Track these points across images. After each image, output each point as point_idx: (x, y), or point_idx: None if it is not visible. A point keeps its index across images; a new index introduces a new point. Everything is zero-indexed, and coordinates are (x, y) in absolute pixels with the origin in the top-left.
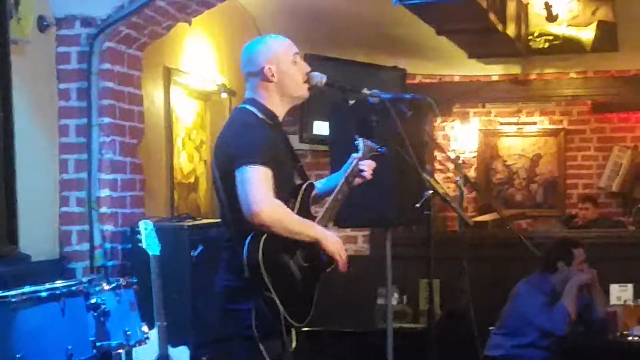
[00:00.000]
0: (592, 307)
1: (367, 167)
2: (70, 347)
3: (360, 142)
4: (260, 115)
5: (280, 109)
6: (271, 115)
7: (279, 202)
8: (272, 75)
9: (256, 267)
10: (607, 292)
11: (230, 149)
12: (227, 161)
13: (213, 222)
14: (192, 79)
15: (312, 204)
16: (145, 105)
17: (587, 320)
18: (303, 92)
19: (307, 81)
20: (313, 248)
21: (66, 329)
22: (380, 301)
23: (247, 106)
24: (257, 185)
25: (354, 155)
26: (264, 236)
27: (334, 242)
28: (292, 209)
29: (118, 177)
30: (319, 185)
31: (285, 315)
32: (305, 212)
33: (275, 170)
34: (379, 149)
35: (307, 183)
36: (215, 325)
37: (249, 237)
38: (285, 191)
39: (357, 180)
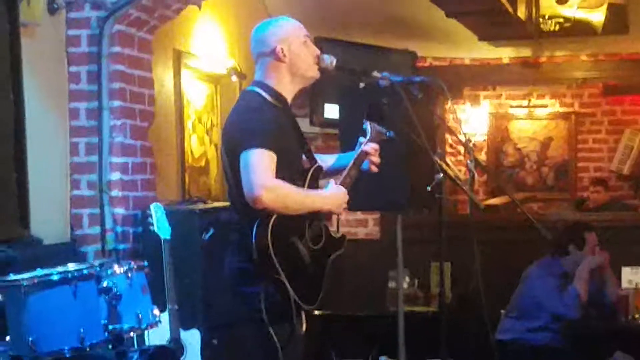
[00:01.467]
0: (604, 290)
1: (373, 149)
2: (82, 330)
3: (368, 126)
4: (267, 97)
5: (289, 91)
6: (279, 97)
7: (278, 182)
8: (284, 56)
9: (265, 250)
10: (618, 276)
11: (236, 132)
12: (233, 145)
13: (224, 205)
14: (202, 62)
15: (321, 179)
16: (156, 88)
17: (598, 304)
18: (314, 72)
19: (317, 63)
20: (322, 231)
21: (78, 312)
22: (391, 285)
23: (255, 88)
24: (258, 169)
25: (361, 139)
26: (273, 219)
27: (334, 202)
28: None
29: (129, 160)
30: (332, 159)
31: (295, 298)
32: None
33: (282, 153)
34: (388, 134)
35: (315, 166)
36: (227, 309)
37: (258, 221)
38: (292, 174)
39: (373, 168)
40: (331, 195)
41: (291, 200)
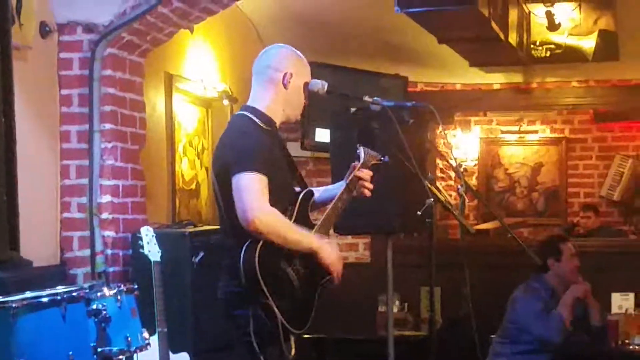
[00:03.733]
0: (589, 316)
1: (365, 175)
2: (71, 352)
3: (362, 151)
4: (257, 121)
5: (279, 116)
6: (268, 121)
7: (274, 210)
8: (288, 83)
9: (253, 274)
10: (608, 301)
11: (226, 156)
12: (223, 169)
13: (214, 228)
14: (194, 86)
15: (311, 211)
16: (147, 111)
17: (585, 328)
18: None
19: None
20: (311, 255)
21: (67, 335)
22: (381, 309)
23: (244, 112)
24: (253, 192)
25: (354, 164)
26: (261, 243)
27: (330, 254)
28: (290, 217)
29: (119, 183)
30: (320, 191)
31: (283, 322)
32: (303, 220)
33: (272, 176)
34: (382, 158)
35: (305, 190)
36: (216, 332)
37: (246, 244)
38: (283, 198)
39: (366, 192)
40: (325, 242)
41: (285, 230)
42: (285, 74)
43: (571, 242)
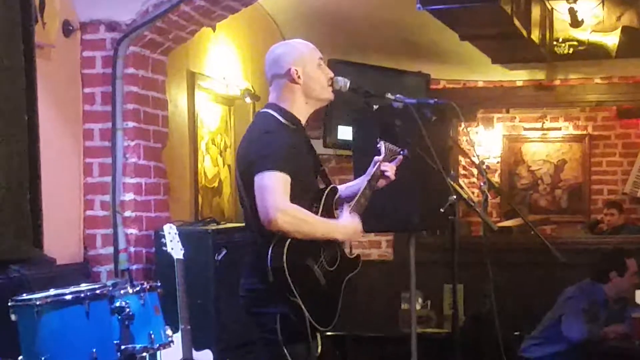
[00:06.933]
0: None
1: (390, 168)
2: (94, 350)
3: (382, 145)
4: (281, 119)
5: (303, 112)
6: (293, 119)
7: (295, 207)
8: (298, 77)
9: (280, 272)
10: (632, 298)
11: (251, 154)
12: (248, 167)
13: (237, 226)
14: (216, 84)
15: (336, 208)
16: (170, 109)
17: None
18: (328, 94)
19: (331, 85)
20: (337, 252)
21: (91, 332)
22: (404, 306)
23: (269, 110)
24: (273, 191)
25: (376, 158)
26: (289, 241)
27: (349, 231)
28: (316, 214)
29: (142, 181)
30: (342, 189)
31: (310, 320)
32: (328, 217)
33: (297, 175)
34: (401, 152)
35: (330, 187)
36: (239, 329)
37: (274, 242)
38: (308, 195)
39: (382, 182)
40: (345, 224)
41: (306, 226)
42: (289, 72)
43: (635, 258)
